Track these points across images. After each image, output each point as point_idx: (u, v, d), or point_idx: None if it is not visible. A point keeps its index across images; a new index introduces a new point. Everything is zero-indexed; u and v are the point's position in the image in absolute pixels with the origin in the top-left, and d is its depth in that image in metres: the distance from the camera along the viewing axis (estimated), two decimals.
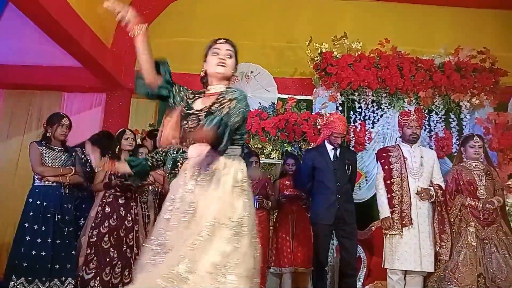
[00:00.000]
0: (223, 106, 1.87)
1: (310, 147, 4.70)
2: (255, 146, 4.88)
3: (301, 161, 4.55)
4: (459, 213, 3.56)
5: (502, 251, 3.42)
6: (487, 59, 4.98)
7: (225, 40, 2.04)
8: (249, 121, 4.86)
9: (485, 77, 4.92)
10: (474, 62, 4.98)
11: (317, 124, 4.73)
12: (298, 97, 5.23)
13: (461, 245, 3.45)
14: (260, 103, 5.14)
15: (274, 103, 5.12)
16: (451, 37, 5.40)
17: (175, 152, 2.07)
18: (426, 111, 4.99)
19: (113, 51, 5.37)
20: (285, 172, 4.60)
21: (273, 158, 5.02)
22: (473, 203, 3.51)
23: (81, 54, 4.62)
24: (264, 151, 4.99)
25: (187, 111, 1.96)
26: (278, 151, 4.99)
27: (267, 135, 4.92)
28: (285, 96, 5.23)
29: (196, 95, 2.05)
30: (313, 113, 4.99)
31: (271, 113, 5.00)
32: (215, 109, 1.88)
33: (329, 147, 3.92)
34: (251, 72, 5.20)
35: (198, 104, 1.99)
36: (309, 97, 5.28)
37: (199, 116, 1.91)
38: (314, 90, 5.16)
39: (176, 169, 2.01)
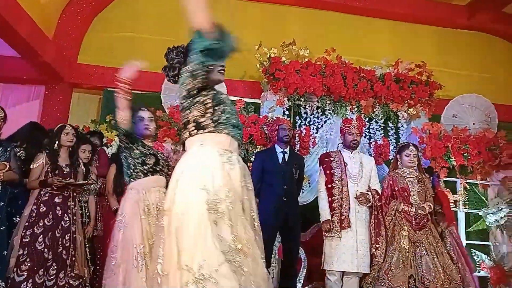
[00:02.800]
0: None
1: (259, 150, 4.76)
2: None
3: (248, 163, 4.60)
4: (393, 218, 3.74)
5: (431, 254, 3.61)
6: (423, 73, 5.31)
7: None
8: None
9: (421, 90, 5.24)
10: (412, 74, 5.30)
11: (264, 127, 4.82)
12: (246, 99, 5.27)
13: (394, 248, 3.62)
14: None
15: None
16: (392, 50, 5.71)
17: None
18: (367, 119, 5.23)
19: (55, 42, 5.11)
20: None
21: None
22: (406, 209, 3.71)
23: (18, 43, 4.36)
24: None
25: None
26: None
27: None
28: (234, 98, 5.24)
29: None
30: (260, 116, 5.06)
31: None
32: None
33: (278, 150, 4.00)
34: None
35: None
36: (257, 100, 5.33)
37: None
38: (262, 93, 5.24)
39: None
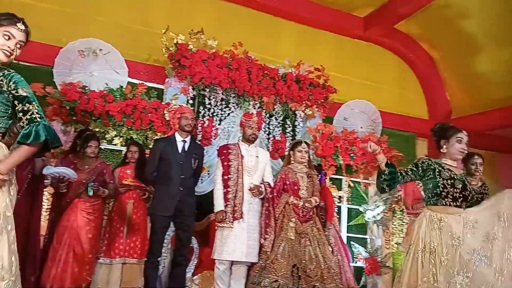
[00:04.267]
0: None
1: (158, 137, 4.64)
2: (96, 129, 4.58)
3: (147, 150, 4.47)
4: (283, 210, 3.94)
5: (314, 244, 3.87)
6: (321, 76, 5.64)
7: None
8: (92, 102, 4.56)
9: (318, 92, 5.57)
10: (311, 77, 5.60)
11: (165, 114, 4.71)
12: (149, 84, 5.09)
13: (281, 238, 3.82)
14: (107, 84, 4.84)
15: (122, 86, 4.88)
16: (295, 52, 5.97)
17: None
18: (267, 116, 5.42)
19: None
20: (127, 160, 4.45)
21: (115, 145, 4.79)
22: (295, 201, 3.94)
23: None
24: (106, 136, 4.73)
25: None
26: (122, 138, 4.78)
27: (111, 119, 4.67)
28: (136, 81, 5.04)
29: None
30: (163, 103, 4.93)
31: (118, 96, 4.76)
32: None
33: (178, 138, 3.94)
34: (100, 49, 4.83)
35: None
36: (160, 86, 5.18)
37: None
38: (167, 80, 5.10)
39: None
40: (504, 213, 2.62)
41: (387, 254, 5.74)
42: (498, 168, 7.17)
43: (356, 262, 5.60)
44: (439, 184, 2.79)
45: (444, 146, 2.90)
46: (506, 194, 2.69)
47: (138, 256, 4.15)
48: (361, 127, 6.04)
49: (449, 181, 2.78)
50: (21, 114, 1.93)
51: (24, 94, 1.95)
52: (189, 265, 4.28)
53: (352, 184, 5.85)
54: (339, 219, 5.56)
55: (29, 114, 1.93)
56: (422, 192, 3.13)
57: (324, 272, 3.77)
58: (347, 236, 5.67)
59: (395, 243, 5.87)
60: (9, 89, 1.94)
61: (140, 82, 4.99)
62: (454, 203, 2.76)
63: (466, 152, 2.90)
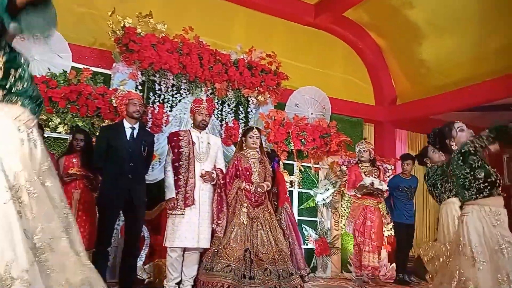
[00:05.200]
0: None
1: (105, 124, 4.49)
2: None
3: (93, 137, 4.32)
4: (235, 195, 3.98)
5: (266, 228, 3.94)
6: (273, 63, 5.69)
7: None
8: None
9: (270, 78, 5.62)
10: (263, 63, 5.63)
11: (113, 101, 4.56)
12: (95, 69, 4.89)
13: (234, 223, 3.86)
14: (49, 69, 4.60)
15: (66, 71, 4.65)
16: (247, 37, 5.97)
17: None
18: (220, 102, 5.40)
19: None
20: (72, 148, 4.28)
21: (60, 132, 4.58)
22: (247, 187, 3.98)
23: None
24: (50, 123, 4.51)
25: None
26: (66, 125, 4.58)
27: (54, 106, 4.46)
28: (80, 66, 4.83)
29: None
30: (110, 89, 4.77)
31: (61, 82, 4.53)
32: None
33: (127, 125, 3.83)
34: None
35: None
36: (107, 71, 5.00)
37: None
38: (114, 64, 4.92)
39: None
40: None
41: (336, 235, 5.97)
42: None
43: (307, 244, 5.78)
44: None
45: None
46: None
47: (86, 246, 4.02)
48: (312, 113, 6.17)
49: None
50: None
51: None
52: (140, 254, 4.22)
53: (303, 169, 5.99)
54: (291, 203, 5.69)
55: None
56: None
57: (275, 255, 3.85)
58: (299, 219, 5.82)
59: (344, 225, 6.10)
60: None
61: (85, 67, 4.79)
62: None
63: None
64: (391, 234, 5.78)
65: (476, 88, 6.05)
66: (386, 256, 5.77)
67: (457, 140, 2.80)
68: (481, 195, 2.54)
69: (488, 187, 2.54)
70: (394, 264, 5.64)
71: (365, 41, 7.24)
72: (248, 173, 4.04)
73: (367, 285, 5.01)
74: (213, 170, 3.89)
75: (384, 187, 5.05)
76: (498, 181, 2.55)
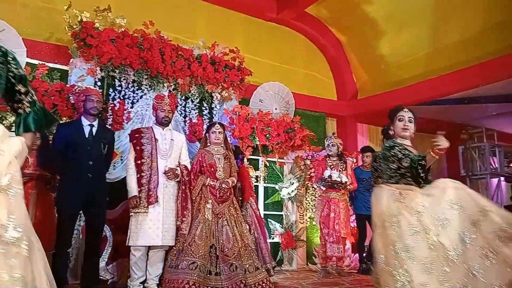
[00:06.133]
0: None
1: (62, 122, 4.34)
2: None
3: (50, 136, 4.16)
4: (200, 192, 3.97)
5: (231, 224, 3.95)
6: (236, 58, 5.67)
7: None
8: None
9: (234, 74, 5.60)
10: (227, 59, 5.60)
11: (70, 97, 4.42)
12: (51, 65, 4.70)
13: (199, 220, 3.85)
14: None
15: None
16: (209, 32, 5.90)
17: None
18: (183, 98, 5.33)
19: None
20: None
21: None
22: (212, 183, 3.97)
23: None
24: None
25: None
26: None
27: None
28: (36, 62, 4.63)
29: None
30: (67, 85, 4.60)
31: None
32: None
33: (85, 122, 3.73)
34: None
35: None
36: (64, 67, 4.81)
37: None
38: (71, 60, 4.75)
39: None
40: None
41: (301, 228, 6.07)
42: None
43: (273, 238, 5.84)
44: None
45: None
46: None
47: (45, 248, 3.88)
48: (276, 109, 6.22)
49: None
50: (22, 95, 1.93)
51: (23, 73, 1.95)
52: (103, 254, 4.12)
53: (268, 164, 6.03)
54: (257, 198, 5.72)
55: (29, 96, 1.97)
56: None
57: (241, 250, 3.88)
58: (264, 213, 5.85)
59: (309, 218, 6.20)
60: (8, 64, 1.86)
61: (41, 62, 4.60)
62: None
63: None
64: (354, 225, 5.92)
65: (433, 82, 6.27)
66: (350, 247, 5.92)
67: (394, 128, 2.88)
68: (391, 180, 2.73)
69: (398, 176, 2.70)
70: (357, 255, 5.80)
71: (326, 36, 7.35)
72: (212, 169, 4.03)
73: (332, 275, 5.13)
74: (177, 166, 3.85)
75: (344, 179, 5.19)
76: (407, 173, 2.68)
